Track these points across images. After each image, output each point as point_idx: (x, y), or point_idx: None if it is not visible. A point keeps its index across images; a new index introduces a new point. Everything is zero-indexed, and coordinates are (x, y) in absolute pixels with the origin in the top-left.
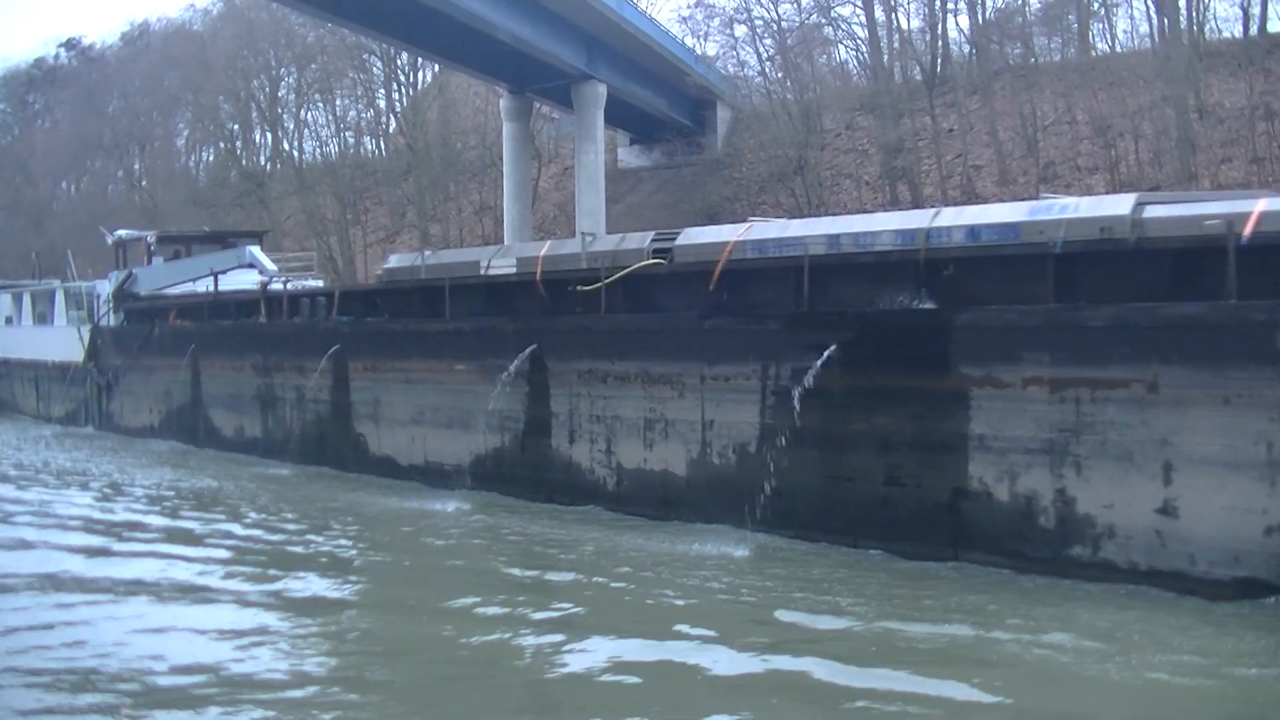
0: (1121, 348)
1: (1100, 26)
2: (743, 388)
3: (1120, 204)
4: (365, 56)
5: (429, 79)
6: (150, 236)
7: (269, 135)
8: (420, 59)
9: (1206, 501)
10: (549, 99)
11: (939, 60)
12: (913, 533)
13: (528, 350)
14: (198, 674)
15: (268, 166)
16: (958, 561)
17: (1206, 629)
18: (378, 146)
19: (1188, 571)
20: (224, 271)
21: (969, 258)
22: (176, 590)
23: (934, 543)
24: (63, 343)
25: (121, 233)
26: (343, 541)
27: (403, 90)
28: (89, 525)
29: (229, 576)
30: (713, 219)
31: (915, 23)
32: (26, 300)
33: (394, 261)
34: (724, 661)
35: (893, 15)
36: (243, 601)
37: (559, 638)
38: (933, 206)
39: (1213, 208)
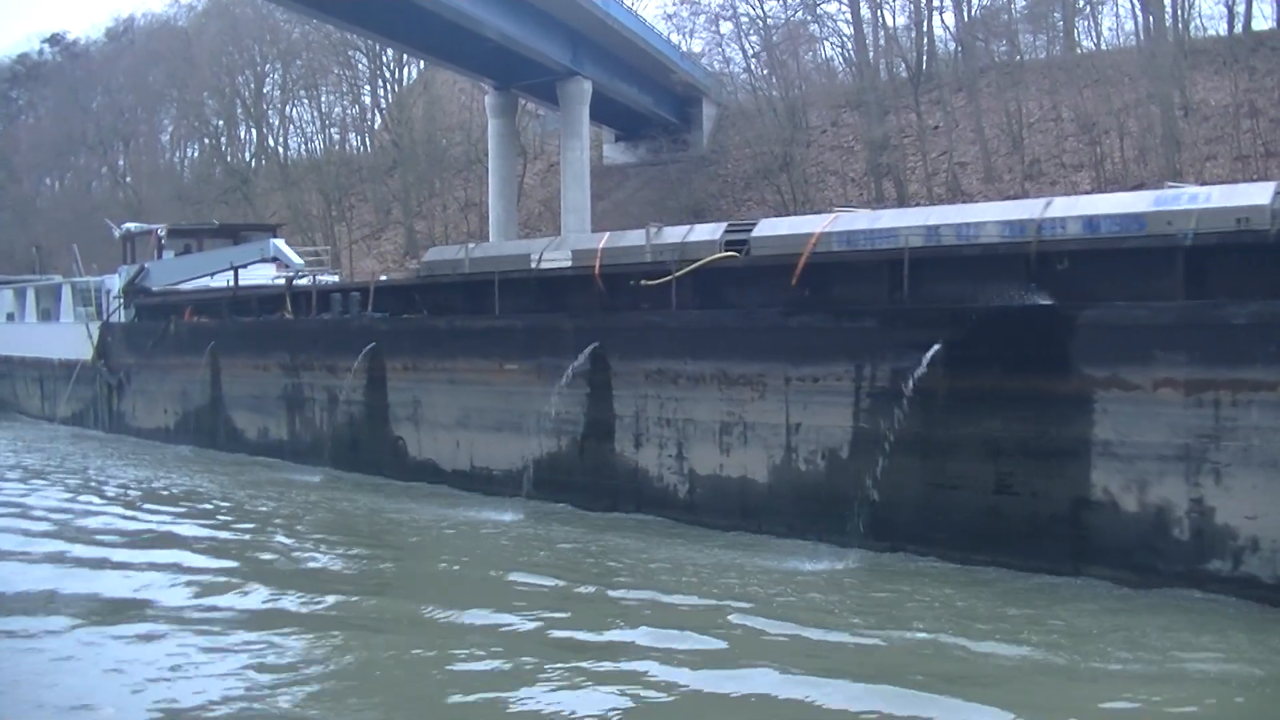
0: (1268, 346)
1: (1085, 24)
2: (833, 389)
3: (1258, 193)
4: (350, 53)
5: (414, 75)
6: (161, 230)
7: (254, 131)
8: (406, 55)
9: None
10: (534, 95)
11: (924, 57)
12: (1027, 545)
13: (589, 349)
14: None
15: (253, 163)
16: (1078, 576)
17: None
18: (363, 143)
19: None
20: (244, 266)
21: (1087, 251)
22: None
23: (1051, 556)
24: (69, 340)
25: (129, 226)
26: (398, 557)
27: (388, 87)
28: (132, 540)
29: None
30: (698, 216)
31: (901, 20)
32: (30, 296)
33: (433, 254)
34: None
35: (878, 12)
36: (309, 626)
37: (648, 667)
38: (918, 203)
39: None
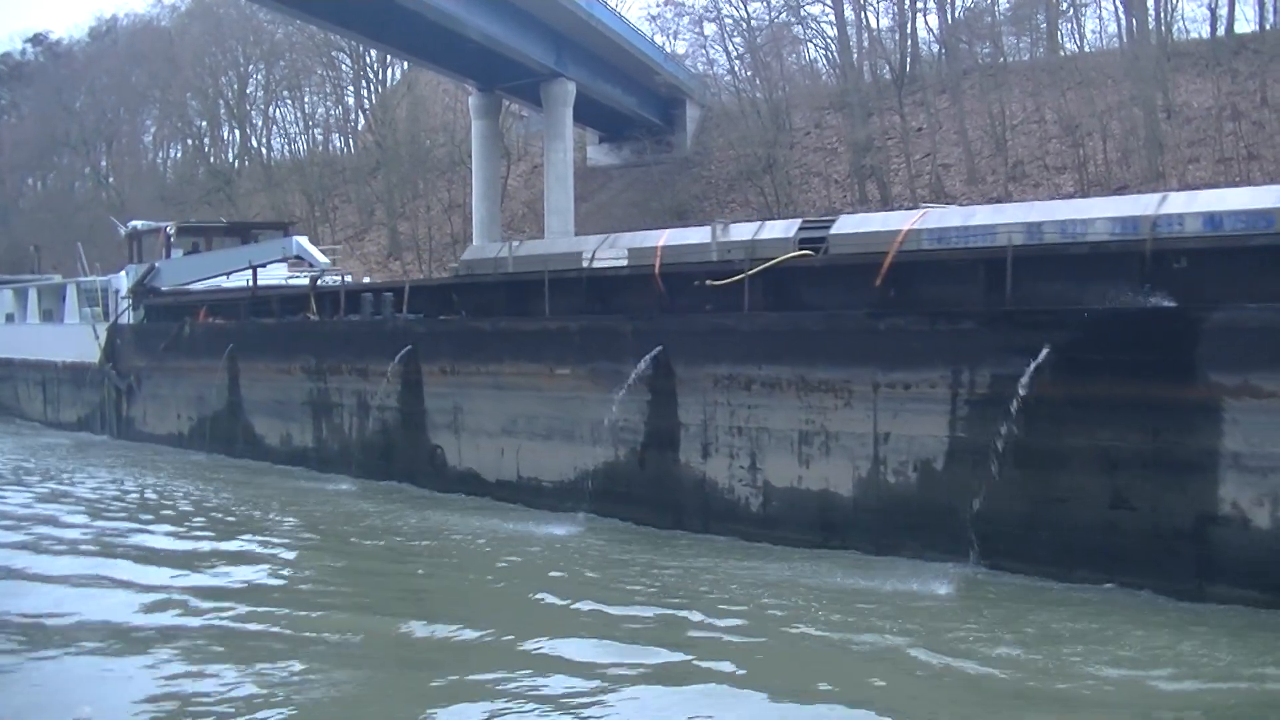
0: None
1: (1069, 26)
2: (927, 396)
3: None
4: (334, 54)
5: (398, 76)
6: (170, 227)
7: (237, 132)
8: (389, 56)
9: None
10: (518, 97)
11: (908, 59)
12: (1145, 564)
13: (651, 353)
14: None
15: (235, 163)
16: (1203, 597)
17: None
18: (346, 144)
19: None
20: (263, 265)
21: (1210, 250)
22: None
23: (1172, 575)
24: (75, 342)
25: (135, 224)
26: (445, 575)
27: (371, 87)
28: (171, 559)
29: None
30: (681, 217)
31: (885, 22)
32: (32, 296)
33: (472, 253)
34: None
35: (862, 14)
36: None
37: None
38: (904, 205)
39: None
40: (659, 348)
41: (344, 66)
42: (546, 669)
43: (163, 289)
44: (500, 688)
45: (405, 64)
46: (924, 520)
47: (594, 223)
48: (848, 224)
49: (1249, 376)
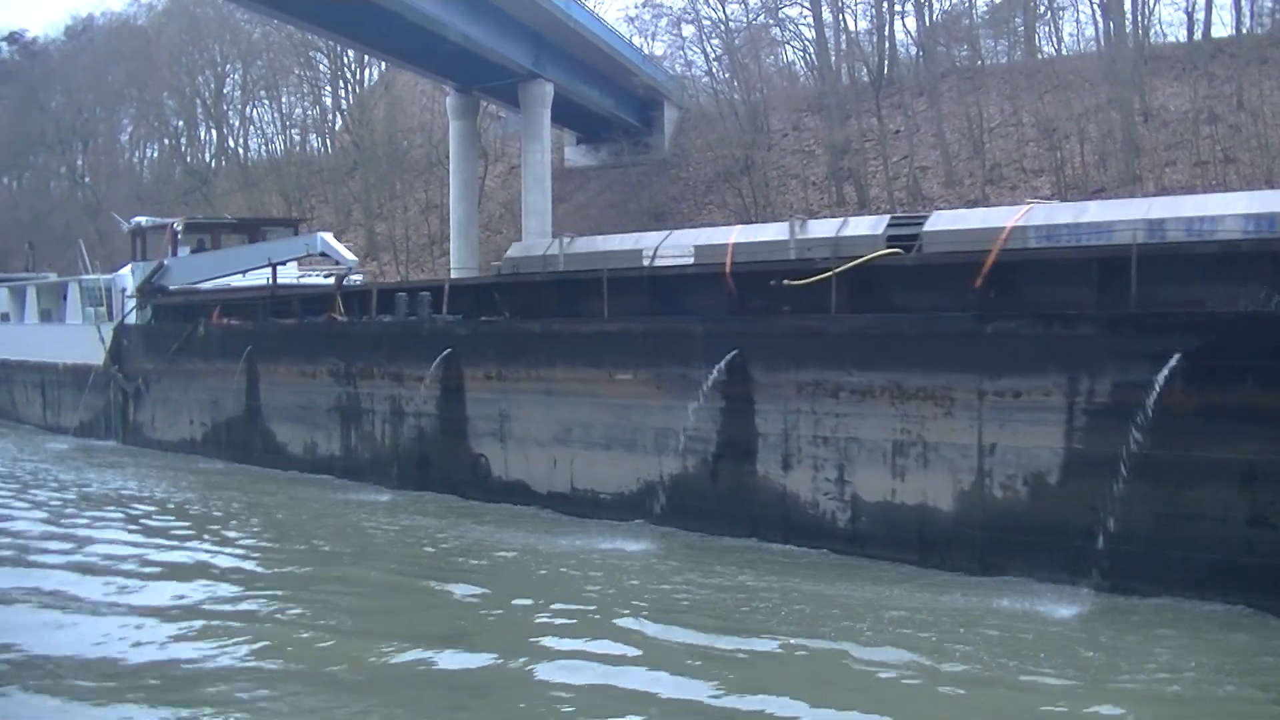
0: None
1: (1046, 29)
2: (1039, 405)
3: None
4: (311, 54)
5: (375, 77)
6: (177, 223)
7: (214, 132)
8: (367, 57)
9: None
10: (496, 98)
11: (886, 62)
12: None
13: (727, 357)
14: None
15: (212, 163)
16: None
17: None
18: (323, 144)
19: None
20: (283, 263)
21: None
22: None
23: None
24: (77, 343)
25: (140, 220)
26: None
27: (349, 88)
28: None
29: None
30: (658, 219)
31: (863, 24)
32: (30, 295)
33: (517, 250)
34: None
35: (840, 17)
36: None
37: None
38: (877, 208)
39: None
40: (734, 351)
41: (321, 67)
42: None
43: (171, 288)
44: None
45: (383, 64)
46: (1035, 538)
47: (571, 224)
48: (942, 220)
49: None
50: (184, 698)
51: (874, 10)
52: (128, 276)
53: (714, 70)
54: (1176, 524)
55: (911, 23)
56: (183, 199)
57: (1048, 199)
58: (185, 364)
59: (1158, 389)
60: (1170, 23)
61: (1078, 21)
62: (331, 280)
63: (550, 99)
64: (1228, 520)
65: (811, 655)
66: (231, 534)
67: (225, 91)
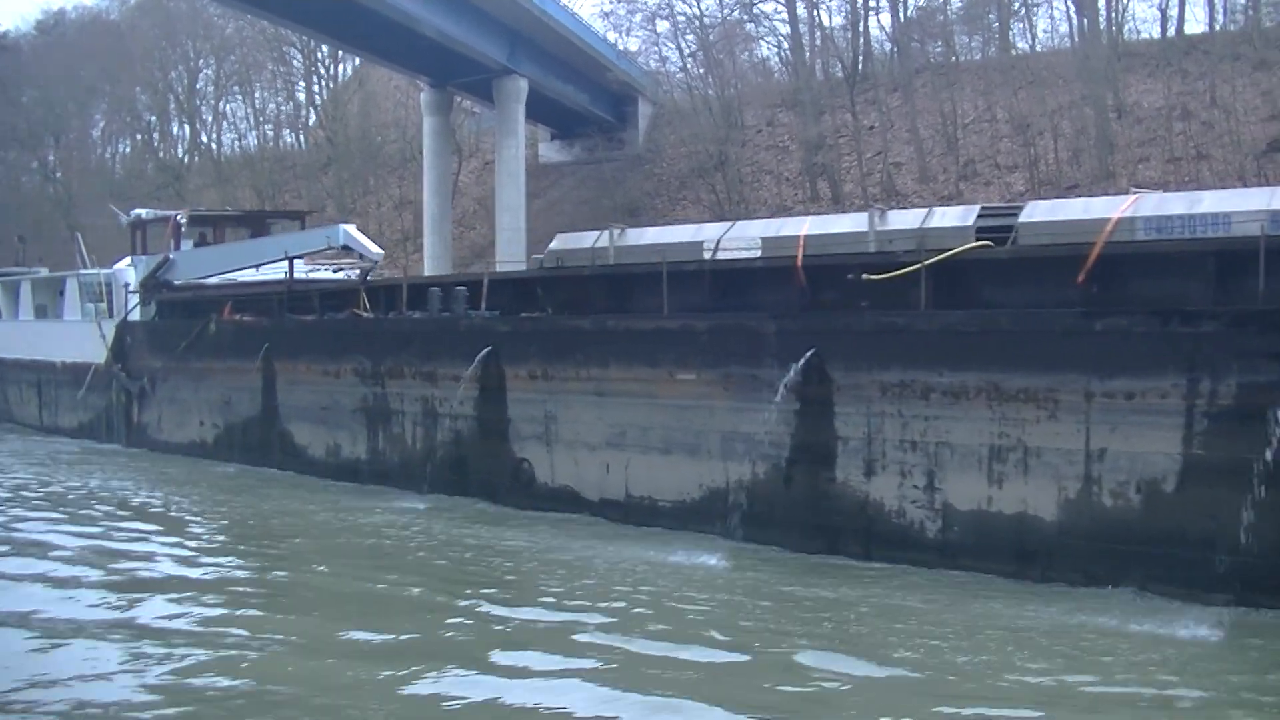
0: None
1: (1021, 26)
2: (1155, 408)
3: None
4: (285, 49)
5: (349, 72)
6: (181, 216)
7: (187, 127)
8: (341, 52)
9: None
10: (470, 93)
11: (860, 57)
12: None
13: (803, 356)
14: None
15: (185, 159)
16: None
17: None
18: (297, 139)
19: None
20: (299, 256)
21: None
22: None
23: None
24: (77, 340)
25: (140, 212)
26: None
27: (323, 83)
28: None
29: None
30: (633, 215)
31: (837, 20)
32: (25, 290)
33: (561, 242)
34: None
35: (815, 12)
36: None
37: None
38: (853, 204)
39: None
40: (811, 350)
41: (295, 62)
42: None
43: (175, 283)
44: None
45: (357, 60)
46: (1151, 549)
47: (546, 220)
48: (1039, 211)
49: None
50: None
51: (849, 6)
52: (129, 271)
53: (688, 66)
54: None
55: (886, 19)
56: (155, 194)
57: (1151, 190)
58: (195, 362)
59: None
60: (1144, 19)
61: (1052, 18)
62: (342, 275)
63: (525, 95)
64: None
65: None
66: (274, 551)
67: (198, 87)
